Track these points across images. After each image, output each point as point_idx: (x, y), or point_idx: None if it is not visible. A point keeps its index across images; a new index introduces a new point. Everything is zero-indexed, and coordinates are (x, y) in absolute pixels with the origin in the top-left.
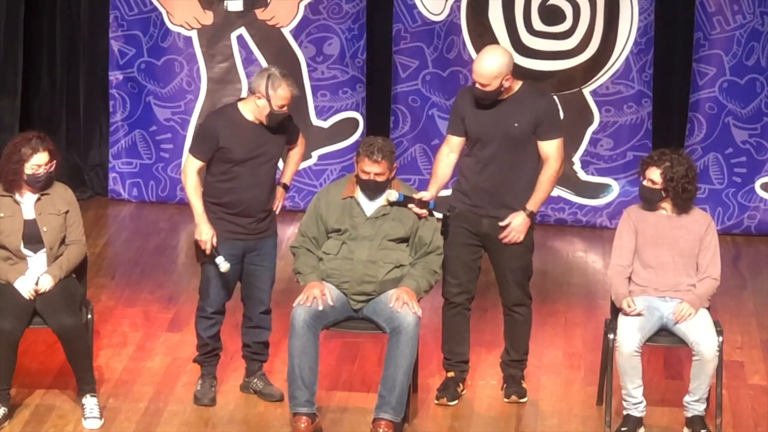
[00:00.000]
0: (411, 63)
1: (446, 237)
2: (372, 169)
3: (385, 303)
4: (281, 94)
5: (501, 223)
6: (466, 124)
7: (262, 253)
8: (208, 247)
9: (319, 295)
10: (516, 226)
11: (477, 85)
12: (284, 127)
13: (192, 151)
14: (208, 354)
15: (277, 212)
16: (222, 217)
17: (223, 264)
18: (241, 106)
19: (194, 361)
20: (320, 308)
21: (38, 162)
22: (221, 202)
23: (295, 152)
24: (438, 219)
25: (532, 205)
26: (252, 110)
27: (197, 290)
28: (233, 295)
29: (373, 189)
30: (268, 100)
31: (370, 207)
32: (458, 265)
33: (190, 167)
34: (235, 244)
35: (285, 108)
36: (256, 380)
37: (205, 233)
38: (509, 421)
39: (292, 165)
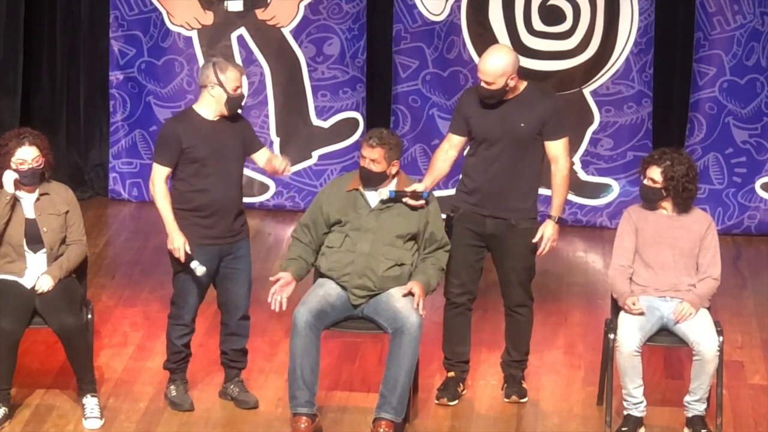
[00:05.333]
0: (411, 63)
1: (450, 238)
2: (368, 154)
3: (387, 303)
4: (231, 75)
5: (534, 240)
6: (472, 125)
7: (238, 255)
8: (181, 255)
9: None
10: (549, 236)
11: (482, 84)
12: (240, 124)
13: (157, 159)
14: (182, 361)
15: (283, 170)
16: (195, 223)
17: (198, 268)
18: (196, 108)
19: (165, 368)
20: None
21: (23, 156)
22: (192, 206)
23: (269, 155)
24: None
25: (556, 210)
26: (210, 106)
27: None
28: (212, 299)
29: (366, 177)
30: (222, 86)
31: (374, 200)
32: (461, 265)
33: (159, 176)
34: (210, 249)
35: (239, 89)
36: (232, 386)
37: (177, 241)
38: (509, 421)
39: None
